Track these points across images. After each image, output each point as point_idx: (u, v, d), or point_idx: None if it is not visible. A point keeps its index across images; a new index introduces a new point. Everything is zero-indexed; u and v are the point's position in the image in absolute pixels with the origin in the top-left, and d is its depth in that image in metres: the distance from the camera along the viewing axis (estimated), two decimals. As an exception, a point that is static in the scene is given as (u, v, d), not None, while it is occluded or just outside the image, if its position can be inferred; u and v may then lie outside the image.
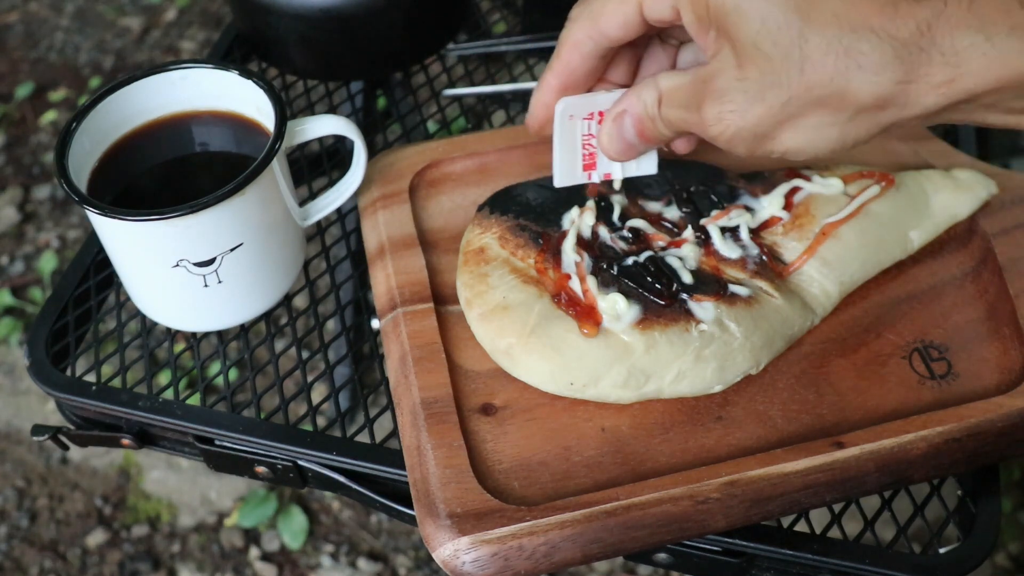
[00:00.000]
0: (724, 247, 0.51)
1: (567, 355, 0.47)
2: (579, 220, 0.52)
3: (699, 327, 0.48)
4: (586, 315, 0.48)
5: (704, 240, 0.52)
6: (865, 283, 0.53)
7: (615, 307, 0.48)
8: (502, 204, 0.54)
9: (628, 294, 0.48)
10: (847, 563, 0.46)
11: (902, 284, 0.54)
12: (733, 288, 0.49)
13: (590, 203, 0.53)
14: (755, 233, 0.52)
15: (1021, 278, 0.52)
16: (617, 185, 0.52)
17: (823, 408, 0.48)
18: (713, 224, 0.52)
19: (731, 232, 0.52)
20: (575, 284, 0.49)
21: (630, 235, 0.52)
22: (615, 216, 0.53)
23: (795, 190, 0.53)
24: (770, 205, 0.53)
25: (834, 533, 0.48)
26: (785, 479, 0.44)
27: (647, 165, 0.50)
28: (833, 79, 0.37)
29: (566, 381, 0.47)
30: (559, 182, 0.51)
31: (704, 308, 0.48)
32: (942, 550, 0.46)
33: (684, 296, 0.48)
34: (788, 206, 0.53)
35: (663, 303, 0.48)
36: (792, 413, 0.48)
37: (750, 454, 0.45)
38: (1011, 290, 0.51)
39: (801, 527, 0.48)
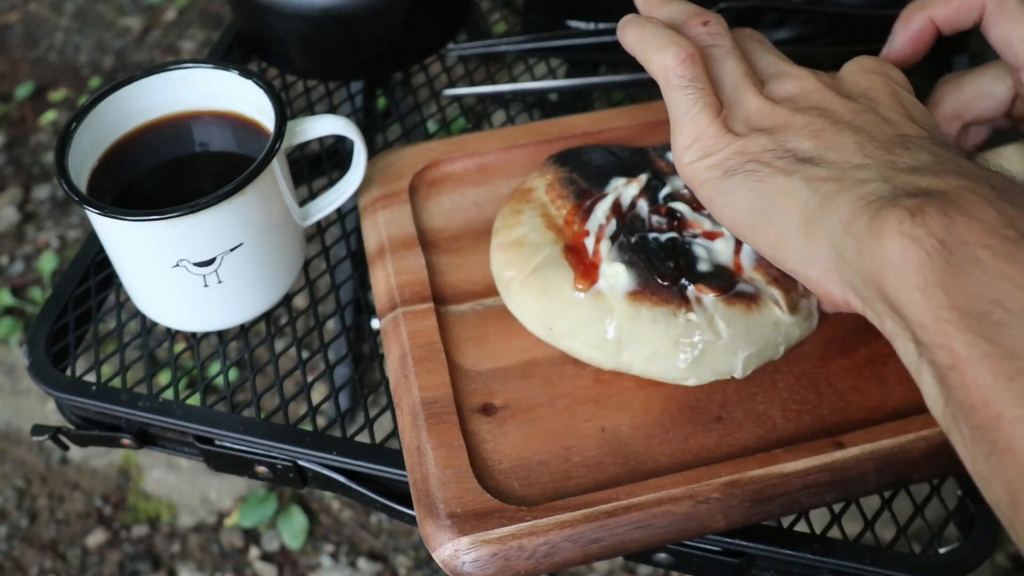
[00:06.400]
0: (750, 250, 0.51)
1: (555, 302, 0.49)
2: (623, 189, 0.53)
3: (687, 315, 0.48)
4: (586, 273, 0.49)
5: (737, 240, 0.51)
6: (865, 283, 0.53)
7: (615, 275, 0.49)
8: (565, 157, 0.56)
9: (634, 264, 0.49)
10: (847, 563, 0.46)
11: (902, 284, 0.54)
12: (741, 287, 0.49)
13: (641, 176, 0.53)
14: None
15: (1021, 278, 0.52)
16: None
17: (823, 408, 0.48)
18: None
19: None
20: (589, 242, 0.50)
21: (666, 215, 0.52)
22: (661, 194, 0.53)
23: None
24: None
25: (834, 533, 0.48)
26: (785, 479, 0.44)
27: None
28: None
29: (546, 326, 0.49)
30: None
31: (701, 300, 0.48)
32: (942, 550, 0.46)
33: (685, 282, 0.48)
34: None
35: (663, 282, 0.48)
36: (792, 413, 0.48)
37: (750, 454, 0.45)
38: (1011, 290, 0.51)
39: (801, 527, 0.48)
